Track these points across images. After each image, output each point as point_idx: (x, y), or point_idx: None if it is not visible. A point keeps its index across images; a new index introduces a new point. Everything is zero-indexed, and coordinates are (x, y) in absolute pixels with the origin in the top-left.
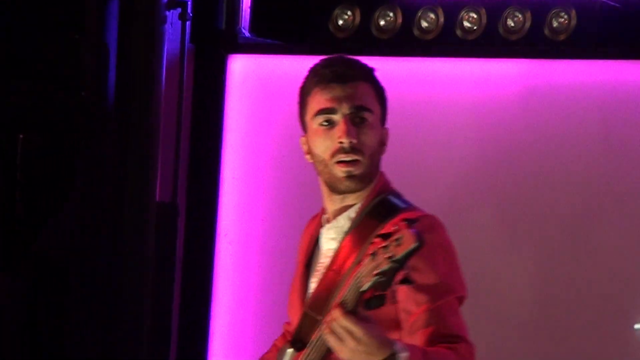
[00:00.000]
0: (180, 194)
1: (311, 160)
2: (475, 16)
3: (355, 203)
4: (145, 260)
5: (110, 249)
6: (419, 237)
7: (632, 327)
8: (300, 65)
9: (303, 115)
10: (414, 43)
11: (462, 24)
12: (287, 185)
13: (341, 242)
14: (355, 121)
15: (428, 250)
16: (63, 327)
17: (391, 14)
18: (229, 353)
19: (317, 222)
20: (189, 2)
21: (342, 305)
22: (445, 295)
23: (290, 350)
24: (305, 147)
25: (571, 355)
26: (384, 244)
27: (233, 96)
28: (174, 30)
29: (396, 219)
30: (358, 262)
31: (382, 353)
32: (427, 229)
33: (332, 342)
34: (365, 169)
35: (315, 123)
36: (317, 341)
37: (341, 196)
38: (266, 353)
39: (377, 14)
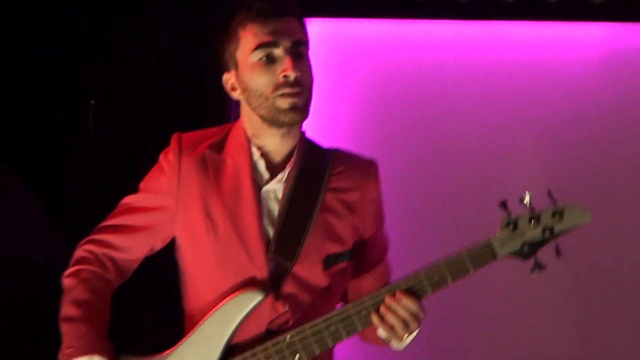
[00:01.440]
0: None
1: (239, 97)
2: None
3: (294, 145)
4: None
5: None
6: (587, 212)
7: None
8: (364, 28)
9: (233, 51)
10: (494, 6)
11: None
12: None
13: (291, 187)
14: (295, 55)
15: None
16: None
17: None
18: None
19: (244, 160)
20: None
21: (414, 293)
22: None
23: (260, 298)
24: (230, 84)
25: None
26: (528, 215)
27: None
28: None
29: (343, 168)
30: (320, 209)
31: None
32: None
33: (389, 322)
34: (306, 101)
35: (253, 58)
36: (359, 306)
37: (281, 131)
38: (90, 282)
39: None
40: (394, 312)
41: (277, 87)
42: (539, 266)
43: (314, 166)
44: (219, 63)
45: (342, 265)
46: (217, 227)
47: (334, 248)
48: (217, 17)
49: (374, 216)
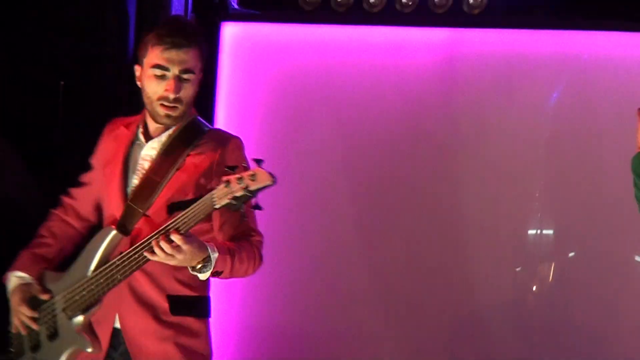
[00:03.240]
0: None
1: (139, 85)
2: None
3: (173, 125)
4: None
5: None
6: (274, 177)
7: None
8: (276, 30)
9: (143, 55)
10: (364, 15)
11: (401, 0)
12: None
13: (160, 152)
14: (181, 79)
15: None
16: None
17: None
18: None
19: (132, 131)
20: None
21: (176, 230)
22: None
23: (115, 232)
24: (137, 75)
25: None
26: (237, 176)
27: (225, 54)
28: (179, 2)
29: (205, 141)
30: (177, 169)
31: (200, 256)
32: (239, 145)
33: (162, 257)
34: (180, 113)
35: (151, 71)
36: (140, 246)
37: (160, 124)
38: (49, 222)
39: None
40: (158, 245)
41: (160, 98)
42: (243, 216)
43: (184, 139)
44: (136, 53)
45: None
46: (104, 177)
47: (179, 197)
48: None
49: (220, 176)
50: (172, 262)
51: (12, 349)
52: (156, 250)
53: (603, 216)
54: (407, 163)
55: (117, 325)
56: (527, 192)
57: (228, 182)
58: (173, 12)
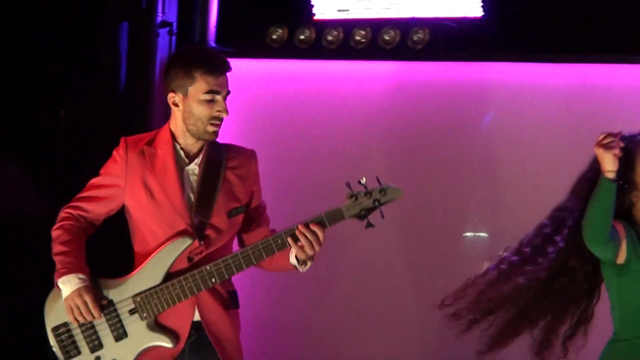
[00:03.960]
0: None
1: (176, 111)
2: (363, 32)
3: (202, 144)
4: None
5: None
6: (402, 191)
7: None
8: (249, 64)
9: (187, 85)
10: (323, 51)
11: (355, 38)
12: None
13: (202, 169)
14: (225, 100)
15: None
16: None
17: (307, 31)
18: None
19: (170, 151)
20: (174, 23)
21: (320, 223)
22: None
23: (190, 242)
24: (173, 101)
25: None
26: (367, 192)
27: None
28: (164, 41)
29: (234, 155)
30: (222, 181)
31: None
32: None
33: (307, 246)
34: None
35: (203, 96)
36: (270, 242)
37: (200, 140)
38: (66, 229)
39: (298, 31)
40: (303, 234)
41: (212, 118)
42: (370, 224)
43: (216, 155)
44: (166, 83)
45: (240, 215)
46: (153, 195)
47: (234, 204)
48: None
49: (256, 182)
50: (310, 251)
51: (70, 350)
52: (301, 238)
53: (527, 221)
54: (360, 174)
55: (196, 318)
56: (464, 200)
57: (356, 196)
58: (159, 51)
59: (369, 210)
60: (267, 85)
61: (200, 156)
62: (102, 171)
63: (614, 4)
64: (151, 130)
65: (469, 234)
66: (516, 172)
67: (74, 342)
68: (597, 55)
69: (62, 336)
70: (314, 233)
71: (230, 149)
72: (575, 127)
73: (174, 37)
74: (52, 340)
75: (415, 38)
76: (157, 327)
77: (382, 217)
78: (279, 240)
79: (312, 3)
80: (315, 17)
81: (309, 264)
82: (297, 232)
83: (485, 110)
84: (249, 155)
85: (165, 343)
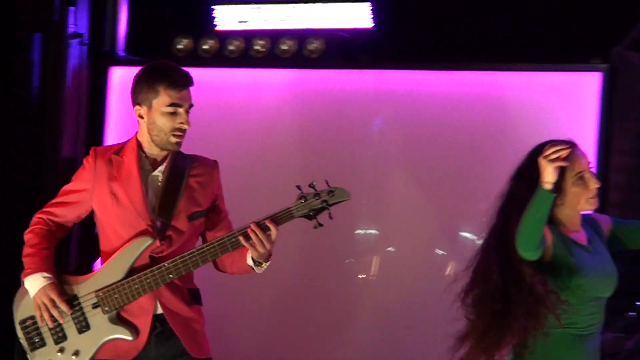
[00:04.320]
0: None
1: (142, 123)
2: (262, 42)
3: (167, 153)
4: None
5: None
6: (349, 193)
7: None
8: None
9: (151, 98)
10: (225, 59)
11: (254, 47)
12: None
13: (166, 175)
14: (187, 112)
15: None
16: None
17: (210, 41)
18: None
19: (135, 160)
20: (85, 34)
21: (273, 222)
22: None
23: (151, 241)
24: (139, 113)
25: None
26: (315, 193)
27: (113, 93)
28: (75, 51)
29: (198, 164)
30: (184, 187)
31: (270, 253)
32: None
33: (257, 243)
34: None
35: (165, 109)
36: (223, 242)
37: (164, 150)
38: (36, 230)
39: (201, 41)
40: (254, 232)
41: (174, 130)
42: (319, 224)
43: (180, 163)
44: (132, 97)
45: (201, 219)
46: (118, 199)
47: (196, 208)
48: None
49: (218, 189)
50: (261, 249)
51: (35, 341)
52: (252, 236)
53: (413, 219)
54: (261, 178)
55: (158, 311)
56: (356, 200)
57: (305, 198)
58: (71, 61)
59: (318, 211)
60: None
61: (165, 164)
62: (73, 178)
63: (494, 15)
64: (62, 137)
65: (360, 231)
66: (407, 172)
67: (40, 333)
68: (479, 64)
69: (29, 328)
70: (264, 231)
71: (195, 159)
72: (458, 131)
73: (85, 47)
74: (19, 333)
75: (310, 47)
76: (119, 320)
77: (331, 218)
78: (233, 239)
79: (214, 15)
80: (217, 28)
81: (264, 265)
82: (248, 231)
83: (376, 115)
84: (212, 165)
85: (125, 335)
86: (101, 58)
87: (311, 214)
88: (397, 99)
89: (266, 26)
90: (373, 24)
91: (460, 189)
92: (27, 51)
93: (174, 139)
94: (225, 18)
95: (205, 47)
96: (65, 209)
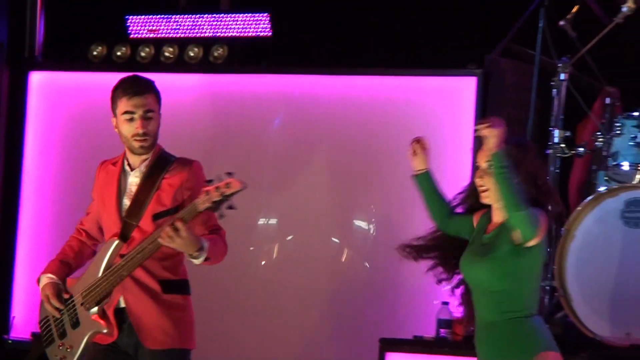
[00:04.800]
0: None
1: (117, 132)
2: (171, 49)
3: (147, 157)
4: None
5: None
6: (244, 183)
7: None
8: (73, 77)
9: (114, 108)
10: (137, 65)
11: (164, 54)
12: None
13: (142, 178)
14: (145, 117)
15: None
16: None
17: (124, 48)
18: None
19: (119, 167)
20: (4, 42)
21: (181, 219)
22: None
23: (117, 242)
24: (114, 123)
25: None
26: (215, 186)
27: (32, 95)
28: None
29: (175, 166)
30: (156, 189)
31: (196, 245)
32: (199, 167)
33: (167, 240)
34: (150, 143)
35: (123, 117)
36: (150, 239)
37: (138, 155)
38: (69, 241)
39: (115, 47)
40: (165, 230)
41: (134, 135)
42: (222, 215)
43: (158, 166)
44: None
45: (164, 218)
46: (103, 205)
47: (160, 209)
48: None
49: (188, 190)
50: (174, 244)
51: (47, 337)
52: (163, 235)
53: (309, 209)
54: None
55: (121, 305)
56: (259, 193)
57: (208, 192)
58: None
59: (219, 203)
60: (88, 95)
61: (142, 168)
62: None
63: (383, 25)
64: None
65: (262, 221)
66: (304, 167)
67: (50, 331)
68: (368, 69)
69: (43, 327)
70: (174, 229)
71: (176, 161)
72: (349, 130)
73: (4, 54)
74: (41, 330)
75: (215, 54)
76: (99, 315)
77: (232, 208)
78: (159, 236)
79: (127, 24)
80: (131, 36)
81: (198, 259)
82: (162, 233)
83: (275, 114)
84: (185, 164)
85: (100, 329)
86: (21, 63)
87: (213, 205)
88: (294, 100)
89: (175, 34)
90: (271, 33)
91: (352, 182)
92: None
93: (136, 144)
94: (137, 26)
95: (118, 53)
96: (88, 218)
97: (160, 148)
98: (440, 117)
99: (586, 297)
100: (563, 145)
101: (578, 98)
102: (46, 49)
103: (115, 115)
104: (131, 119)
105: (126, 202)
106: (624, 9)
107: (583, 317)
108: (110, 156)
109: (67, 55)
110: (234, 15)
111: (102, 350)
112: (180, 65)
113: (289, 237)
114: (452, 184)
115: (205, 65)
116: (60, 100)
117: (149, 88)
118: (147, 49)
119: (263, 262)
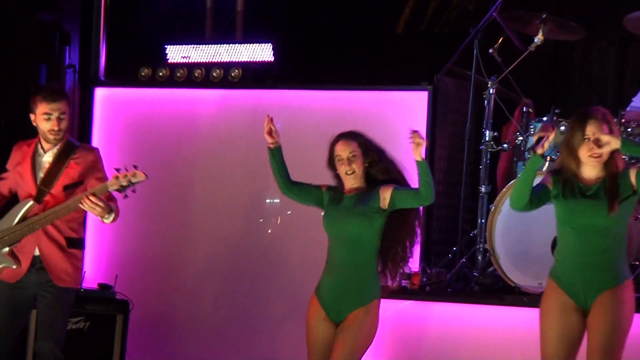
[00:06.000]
0: None
1: (35, 124)
2: (200, 71)
3: (57, 144)
4: None
5: None
6: (147, 175)
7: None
8: (128, 93)
9: (34, 108)
10: (174, 83)
11: (194, 74)
12: None
13: (54, 158)
14: (60, 118)
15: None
16: None
17: (164, 70)
18: None
19: (33, 148)
20: (76, 65)
21: (93, 194)
22: None
23: (32, 202)
24: (32, 118)
25: None
26: (123, 174)
27: (97, 107)
28: (70, 78)
29: (80, 151)
30: (66, 167)
31: (107, 210)
32: (99, 152)
33: (87, 207)
34: (61, 136)
35: (42, 117)
36: (65, 205)
37: (51, 143)
38: None
39: (158, 69)
40: (81, 200)
41: (50, 130)
42: (126, 196)
43: (67, 150)
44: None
45: (75, 189)
46: (18, 175)
47: (68, 182)
48: None
49: (92, 169)
50: (95, 212)
51: None
52: (86, 202)
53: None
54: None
55: (36, 253)
56: (263, 178)
57: (117, 177)
58: (67, 84)
59: (124, 187)
60: (139, 106)
61: (54, 150)
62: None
63: (356, 51)
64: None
65: (268, 200)
66: (298, 163)
67: None
68: (341, 85)
69: None
70: (89, 201)
71: (80, 146)
72: (326, 136)
73: (76, 75)
74: None
75: (232, 74)
76: (9, 254)
77: (134, 192)
78: (74, 203)
79: (166, 51)
80: (169, 61)
81: (109, 219)
82: (82, 200)
83: (276, 121)
84: (89, 150)
85: (11, 264)
86: (88, 82)
87: (120, 188)
88: (292, 110)
89: (202, 60)
90: (274, 58)
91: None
92: (36, 78)
93: (51, 137)
94: (174, 54)
95: (160, 74)
96: (1, 183)
97: (68, 137)
98: (398, 125)
99: (509, 256)
100: (492, 142)
101: (503, 107)
102: (107, 71)
103: (34, 113)
104: (48, 119)
105: (40, 174)
106: (536, 40)
107: (507, 271)
108: (157, 155)
109: (122, 75)
110: (246, 44)
111: (8, 285)
112: (206, 83)
113: (289, 212)
114: (408, 180)
115: (225, 83)
116: (119, 110)
117: (62, 96)
118: (182, 71)
119: (269, 230)
